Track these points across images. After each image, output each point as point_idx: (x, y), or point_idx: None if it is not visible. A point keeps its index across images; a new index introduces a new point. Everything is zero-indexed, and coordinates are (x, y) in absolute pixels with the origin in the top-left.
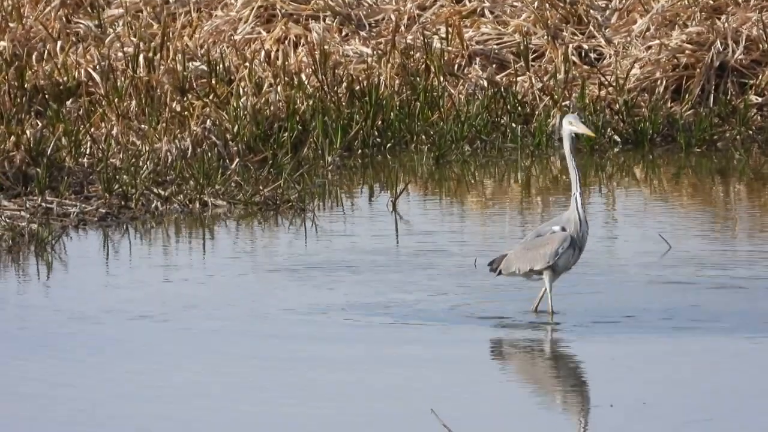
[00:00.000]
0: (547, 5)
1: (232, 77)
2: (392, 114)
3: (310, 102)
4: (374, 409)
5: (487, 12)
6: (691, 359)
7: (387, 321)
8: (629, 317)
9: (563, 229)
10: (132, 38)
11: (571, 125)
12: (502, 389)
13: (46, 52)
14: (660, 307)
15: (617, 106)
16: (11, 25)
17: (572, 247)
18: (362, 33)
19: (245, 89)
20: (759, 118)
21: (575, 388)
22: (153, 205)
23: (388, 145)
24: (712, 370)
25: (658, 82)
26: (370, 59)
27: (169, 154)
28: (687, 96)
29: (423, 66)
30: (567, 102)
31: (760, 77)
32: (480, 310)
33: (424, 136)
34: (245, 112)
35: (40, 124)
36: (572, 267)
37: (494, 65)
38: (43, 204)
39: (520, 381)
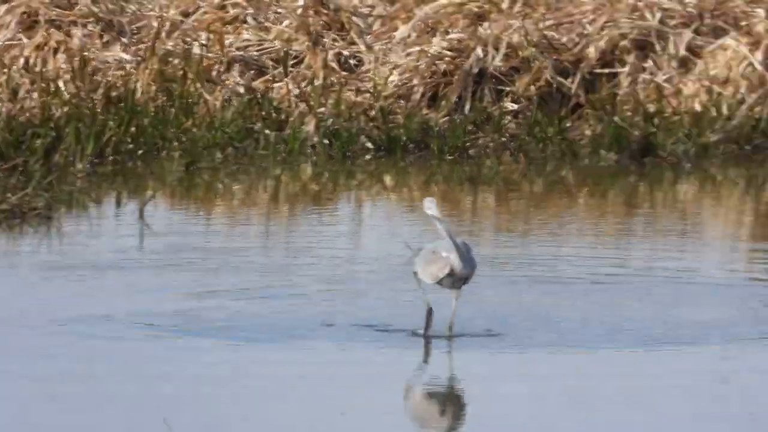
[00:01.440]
0: (311, 12)
1: None
2: (146, 120)
3: (66, 108)
4: None
5: (249, 18)
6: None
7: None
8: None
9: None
10: None
11: (429, 210)
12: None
13: None
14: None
15: (373, 112)
16: None
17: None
18: (123, 39)
19: (1, 95)
20: (513, 125)
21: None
22: None
23: (140, 151)
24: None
25: (415, 88)
26: (128, 66)
27: None
28: (444, 103)
29: (181, 72)
30: (323, 108)
31: (516, 84)
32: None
33: (176, 143)
34: None
35: None
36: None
37: (253, 71)
38: None
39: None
